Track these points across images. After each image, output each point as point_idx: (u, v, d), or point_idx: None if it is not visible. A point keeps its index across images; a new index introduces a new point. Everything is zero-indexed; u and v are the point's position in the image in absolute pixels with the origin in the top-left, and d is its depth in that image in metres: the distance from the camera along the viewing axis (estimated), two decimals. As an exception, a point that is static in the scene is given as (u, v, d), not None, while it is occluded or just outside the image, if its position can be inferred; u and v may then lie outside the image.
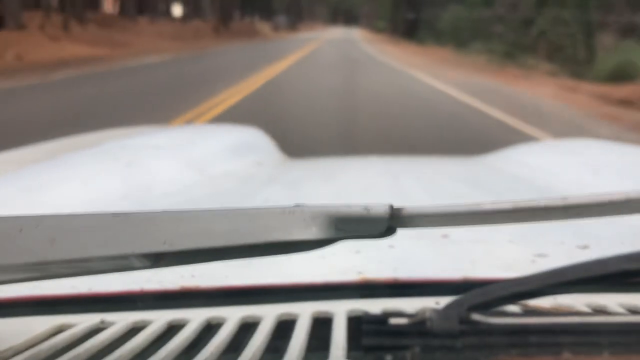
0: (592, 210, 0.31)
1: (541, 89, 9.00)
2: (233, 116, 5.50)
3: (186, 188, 0.92)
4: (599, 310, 0.44)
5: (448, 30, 19.88)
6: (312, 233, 0.31)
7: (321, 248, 0.32)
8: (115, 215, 0.32)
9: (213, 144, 1.24)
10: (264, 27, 41.16)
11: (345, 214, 0.31)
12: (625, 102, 7.34)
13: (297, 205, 0.32)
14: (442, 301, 0.39)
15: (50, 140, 1.23)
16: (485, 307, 0.38)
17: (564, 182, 0.94)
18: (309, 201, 0.33)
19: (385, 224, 0.31)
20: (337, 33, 45.68)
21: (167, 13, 27.40)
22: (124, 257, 0.31)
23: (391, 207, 0.32)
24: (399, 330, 0.39)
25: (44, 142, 1.20)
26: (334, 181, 1.06)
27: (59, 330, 0.43)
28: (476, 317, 0.38)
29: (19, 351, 0.39)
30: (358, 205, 0.32)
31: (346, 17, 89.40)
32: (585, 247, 0.56)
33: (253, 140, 1.38)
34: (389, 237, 0.32)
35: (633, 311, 0.44)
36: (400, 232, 0.32)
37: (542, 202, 0.31)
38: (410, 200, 0.83)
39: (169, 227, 0.31)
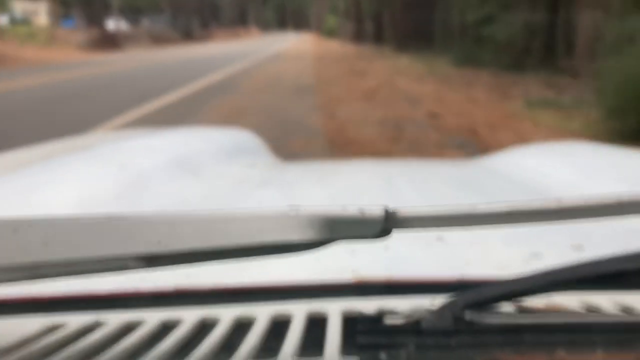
0: (586, 213, 0.32)
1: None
2: None
3: (179, 190, 0.91)
4: (592, 310, 0.44)
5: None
6: (307, 235, 0.31)
7: (316, 250, 0.32)
8: (109, 216, 0.32)
9: (206, 146, 1.24)
10: (63, 37, 23.13)
11: (340, 216, 0.32)
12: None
13: (292, 207, 0.32)
14: (437, 301, 0.40)
15: (43, 142, 1.21)
16: (480, 306, 0.39)
17: (557, 184, 0.95)
18: (303, 204, 0.33)
19: (380, 225, 0.32)
20: (251, 46, 26.79)
21: None
22: (118, 258, 0.31)
23: (386, 209, 0.32)
24: (393, 330, 0.39)
25: (37, 145, 1.18)
26: (327, 184, 1.06)
27: (52, 330, 0.43)
28: (471, 316, 0.38)
29: (10, 351, 0.38)
30: (353, 207, 0.32)
31: (295, 20, 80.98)
32: (579, 247, 0.57)
33: (246, 143, 1.39)
34: (384, 238, 0.32)
35: (626, 310, 0.44)
36: (395, 234, 0.32)
37: (537, 205, 0.32)
38: (405, 202, 0.82)
39: (163, 229, 0.31)
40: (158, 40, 29.90)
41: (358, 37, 24.83)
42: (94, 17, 26.70)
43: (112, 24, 30.79)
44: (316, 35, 42.45)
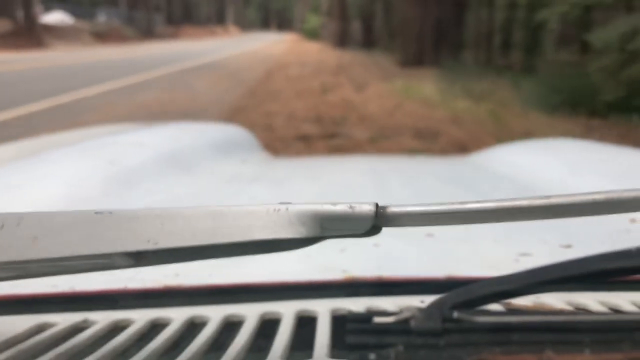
0: (575, 210, 0.32)
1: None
2: None
3: (169, 186, 0.91)
4: (581, 309, 0.44)
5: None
6: (297, 232, 0.31)
7: (306, 247, 0.32)
8: (98, 213, 0.31)
9: (197, 142, 1.23)
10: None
11: (330, 212, 0.31)
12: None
13: (282, 204, 0.32)
14: (427, 300, 0.40)
15: (31, 137, 1.18)
16: (469, 305, 0.39)
17: (547, 181, 0.96)
18: (294, 200, 0.33)
19: (371, 222, 0.31)
20: (211, 47, 21.44)
21: None
22: (107, 255, 0.31)
23: (376, 205, 0.32)
24: (382, 329, 0.39)
25: (25, 140, 1.15)
26: (319, 180, 1.06)
27: (40, 329, 0.42)
28: (459, 315, 0.38)
29: None
30: (343, 204, 0.32)
31: (279, 20, 79.04)
32: (568, 246, 0.57)
33: (237, 139, 1.38)
34: (374, 235, 0.32)
35: (613, 309, 0.45)
36: (385, 231, 0.32)
37: (526, 202, 0.32)
38: (396, 199, 0.82)
39: (153, 225, 0.31)
40: (103, 37, 24.27)
41: (342, 40, 20.60)
42: (22, 7, 20.11)
43: (55, 17, 25.39)
44: (296, 37, 37.91)
